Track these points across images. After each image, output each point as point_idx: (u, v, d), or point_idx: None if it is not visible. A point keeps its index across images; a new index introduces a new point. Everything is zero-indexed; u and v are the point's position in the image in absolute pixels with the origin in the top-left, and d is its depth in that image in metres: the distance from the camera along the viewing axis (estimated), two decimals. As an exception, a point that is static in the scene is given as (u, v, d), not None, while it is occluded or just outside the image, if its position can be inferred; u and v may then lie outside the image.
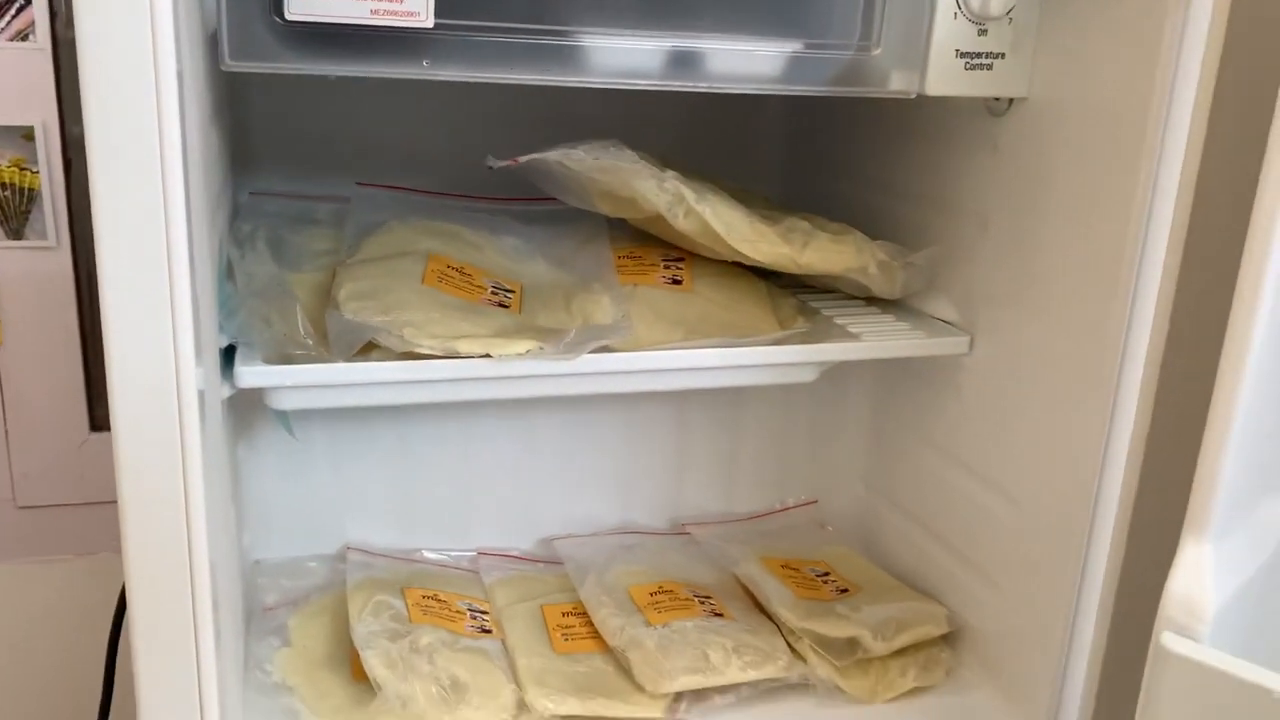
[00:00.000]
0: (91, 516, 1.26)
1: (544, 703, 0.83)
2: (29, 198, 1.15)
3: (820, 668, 0.90)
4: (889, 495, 1.08)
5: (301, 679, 0.86)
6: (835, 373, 1.07)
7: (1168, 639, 0.61)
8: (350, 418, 0.99)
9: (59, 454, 1.23)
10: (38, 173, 1.14)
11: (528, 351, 0.79)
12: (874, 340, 0.90)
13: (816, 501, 1.13)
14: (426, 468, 1.02)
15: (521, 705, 0.84)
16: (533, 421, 1.04)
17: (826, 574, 1.02)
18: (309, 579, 0.97)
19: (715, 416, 1.09)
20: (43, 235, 1.16)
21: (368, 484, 1.01)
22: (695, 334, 0.86)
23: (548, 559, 1.04)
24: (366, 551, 0.99)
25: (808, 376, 0.90)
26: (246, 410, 0.96)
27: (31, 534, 1.25)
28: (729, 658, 0.88)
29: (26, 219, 1.15)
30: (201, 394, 0.63)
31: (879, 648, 0.91)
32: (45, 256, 1.17)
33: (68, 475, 1.24)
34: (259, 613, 0.93)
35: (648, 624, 0.91)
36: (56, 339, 1.20)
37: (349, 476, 1.00)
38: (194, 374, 0.61)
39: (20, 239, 1.16)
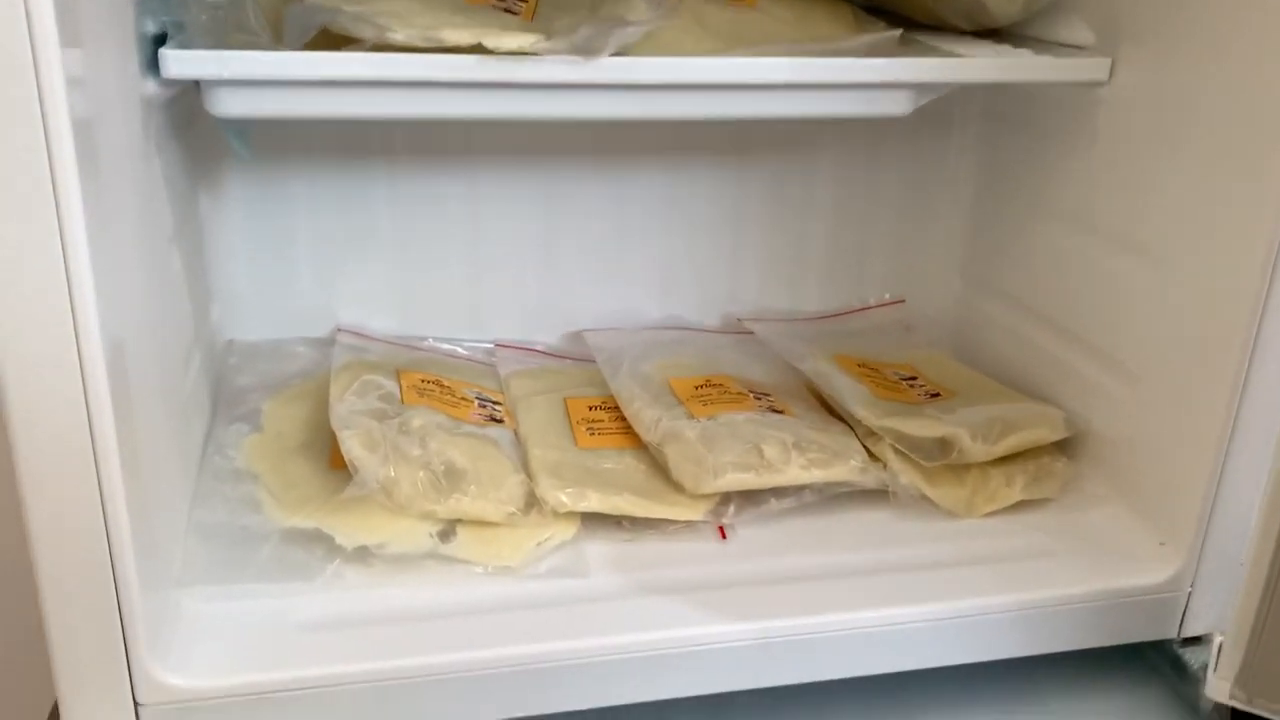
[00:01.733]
0: None
1: (558, 495, 0.67)
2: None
3: (904, 472, 0.72)
4: (994, 286, 0.89)
5: (268, 466, 0.71)
6: (932, 126, 0.88)
7: None
8: (339, 175, 0.83)
9: None
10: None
11: (532, 44, 0.61)
12: (989, 60, 0.70)
13: (903, 301, 0.95)
14: (434, 244, 0.86)
15: (531, 499, 0.68)
16: (559, 192, 0.87)
17: (913, 378, 0.84)
18: (291, 363, 0.82)
19: (781, 192, 0.90)
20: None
21: (364, 261, 0.85)
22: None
23: (577, 355, 0.88)
24: (361, 334, 0.84)
25: (901, 107, 0.70)
26: (208, 155, 0.80)
27: None
28: (788, 454, 0.71)
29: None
30: (77, 82, 0.46)
31: (979, 451, 0.73)
32: None
33: None
34: (229, 397, 0.78)
35: (690, 416, 0.74)
36: None
37: (341, 249, 0.85)
38: (55, 50, 0.44)
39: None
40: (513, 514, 0.66)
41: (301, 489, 0.69)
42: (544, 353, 0.88)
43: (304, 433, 0.75)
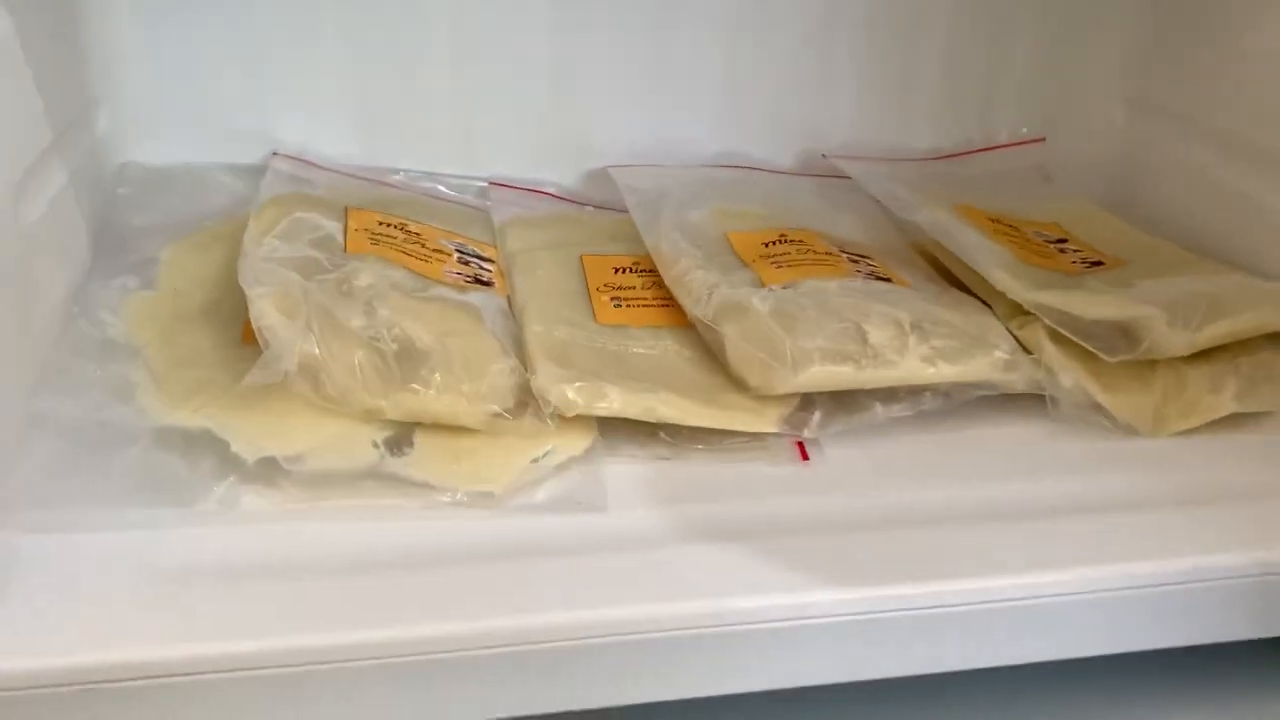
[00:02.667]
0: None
1: (563, 390, 0.46)
2: None
3: (1068, 369, 0.50)
4: (1176, 115, 0.65)
5: (155, 335, 0.50)
6: None
7: None
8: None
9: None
10: None
11: None
12: None
13: (1043, 139, 0.71)
14: (409, 38, 0.63)
15: (524, 395, 0.46)
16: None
17: (1063, 240, 0.61)
18: (207, 198, 0.60)
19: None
20: None
21: (313, 56, 0.62)
22: None
23: (600, 200, 0.65)
24: (305, 161, 0.61)
25: None
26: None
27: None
28: (904, 338, 0.48)
29: None
30: None
31: (1177, 342, 0.50)
32: None
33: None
34: (114, 240, 0.56)
35: (759, 283, 0.52)
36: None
37: (284, 38, 0.61)
38: None
39: None
40: (496, 416, 0.45)
41: (196, 369, 0.48)
42: (555, 195, 0.65)
43: (211, 290, 0.53)
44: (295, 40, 0.61)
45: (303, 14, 0.61)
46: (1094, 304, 0.51)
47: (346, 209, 0.55)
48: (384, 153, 0.64)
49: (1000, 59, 0.69)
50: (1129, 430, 0.50)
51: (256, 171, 0.61)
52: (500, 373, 0.46)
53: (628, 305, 0.53)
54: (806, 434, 0.48)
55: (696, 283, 0.52)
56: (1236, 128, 0.61)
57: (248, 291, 0.47)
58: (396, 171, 0.63)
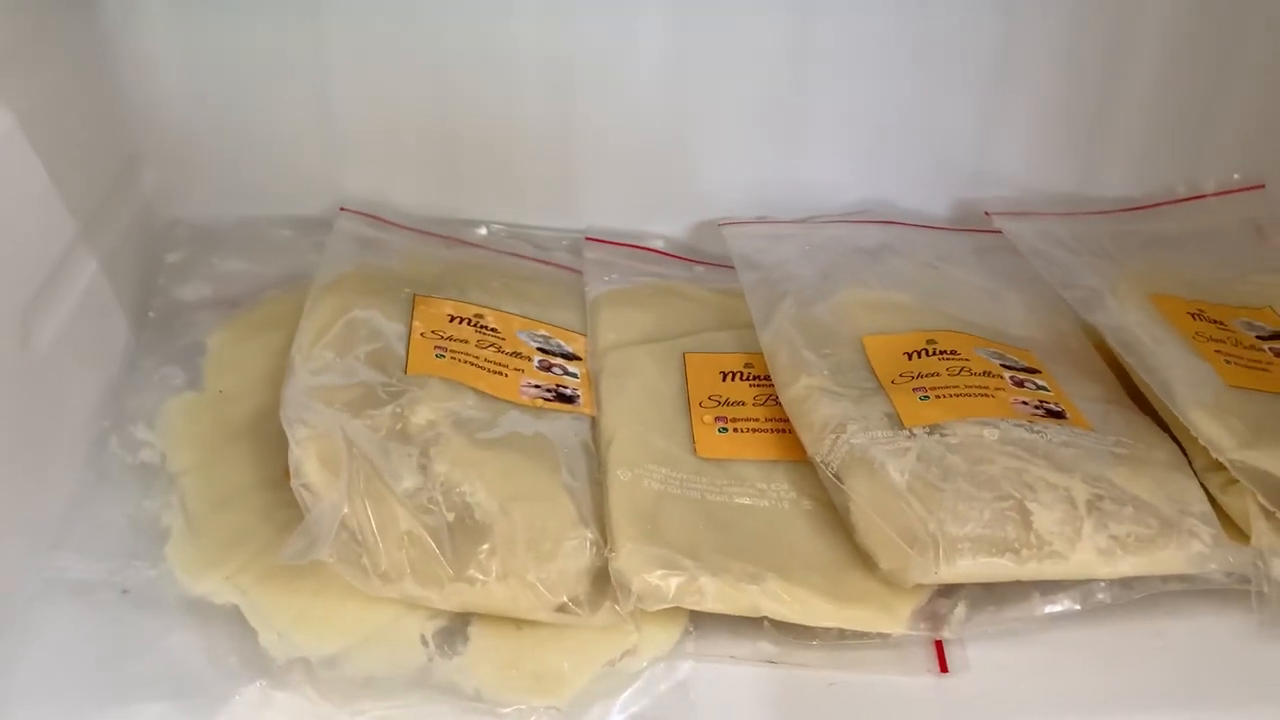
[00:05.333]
0: None
1: (647, 581, 0.38)
2: None
3: (1286, 558, 0.40)
4: None
5: (195, 459, 0.44)
6: None
7: None
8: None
9: None
10: None
11: None
12: None
13: (1263, 186, 0.58)
14: (488, 58, 0.53)
15: (600, 576, 0.39)
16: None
17: (1279, 335, 0.49)
18: (268, 260, 0.53)
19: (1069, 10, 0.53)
20: None
21: (388, 81, 0.53)
22: None
23: (716, 257, 0.56)
24: (373, 218, 0.53)
25: None
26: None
27: None
28: (1078, 523, 0.39)
29: None
30: None
31: None
32: None
33: None
34: (161, 316, 0.50)
35: (897, 420, 0.42)
36: None
37: (353, 81, 0.53)
38: None
39: None
40: (565, 609, 0.38)
41: (235, 513, 0.42)
42: (661, 252, 0.56)
43: (262, 393, 0.46)
44: (364, 73, 0.52)
45: (373, 39, 0.52)
46: (1329, 469, 0.40)
47: (414, 299, 0.47)
48: (464, 197, 0.55)
49: (1217, 89, 0.55)
50: (1366, 639, 0.40)
51: (323, 225, 0.53)
52: (574, 551, 0.38)
53: (735, 430, 0.45)
54: (947, 634, 0.39)
55: (819, 415, 0.43)
56: None
57: (288, 432, 0.40)
58: (480, 225, 0.55)
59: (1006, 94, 0.54)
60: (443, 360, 0.44)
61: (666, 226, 0.57)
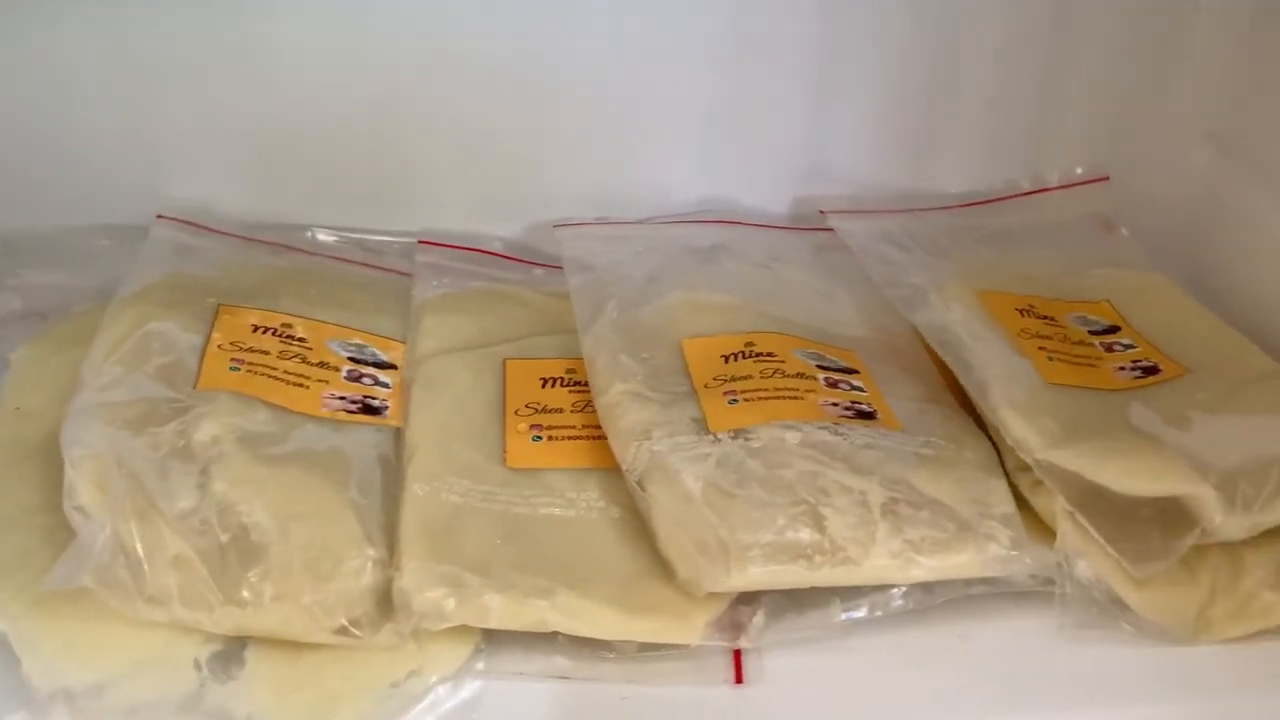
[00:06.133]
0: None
1: (429, 599, 0.36)
2: None
3: (1087, 556, 0.39)
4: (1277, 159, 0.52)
5: (-19, 483, 0.42)
6: None
7: None
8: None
9: None
10: None
11: None
12: None
13: (1107, 178, 0.57)
14: (317, 58, 0.52)
15: (385, 595, 0.37)
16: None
17: (1113, 329, 0.49)
18: (83, 271, 0.51)
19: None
20: None
21: (207, 97, 0.52)
22: None
23: (552, 261, 0.54)
24: (192, 224, 0.52)
25: None
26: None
27: None
28: (871, 527, 0.38)
29: None
30: None
31: (1234, 526, 0.39)
32: None
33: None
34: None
35: (702, 425, 0.41)
36: None
37: (166, 83, 0.51)
38: None
39: None
40: (343, 631, 0.36)
41: (17, 535, 0.40)
42: (499, 255, 0.55)
43: (63, 410, 0.45)
44: (176, 73, 0.51)
45: (188, 40, 0.50)
46: (1130, 470, 0.40)
47: (219, 309, 0.46)
48: (298, 206, 0.54)
49: (1058, 82, 0.55)
50: (1162, 636, 0.39)
51: (137, 233, 0.51)
52: (354, 571, 0.37)
53: (549, 439, 0.44)
54: (745, 642, 0.38)
55: (627, 422, 0.42)
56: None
57: (64, 452, 0.38)
58: (307, 229, 0.54)
59: (838, 89, 0.54)
60: (236, 373, 0.43)
61: (507, 228, 0.56)
